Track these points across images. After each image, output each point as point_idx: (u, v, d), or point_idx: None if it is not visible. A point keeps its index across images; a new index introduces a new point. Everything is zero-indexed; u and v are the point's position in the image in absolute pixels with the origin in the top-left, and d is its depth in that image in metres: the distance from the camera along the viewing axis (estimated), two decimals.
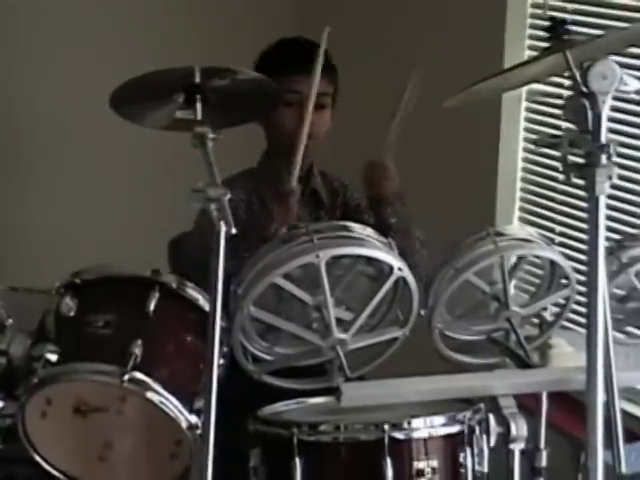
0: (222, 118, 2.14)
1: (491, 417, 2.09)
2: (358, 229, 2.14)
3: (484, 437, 2.09)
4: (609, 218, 2.84)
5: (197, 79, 2.09)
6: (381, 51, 3.59)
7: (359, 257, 2.12)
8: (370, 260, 2.12)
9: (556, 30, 1.99)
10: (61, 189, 3.69)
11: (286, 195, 2.61)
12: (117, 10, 3.64)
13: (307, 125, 2.62)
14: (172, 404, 2.07)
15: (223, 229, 1.96)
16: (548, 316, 2.31)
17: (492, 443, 2.10)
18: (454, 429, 2.06)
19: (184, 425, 2.08)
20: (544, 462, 2.22)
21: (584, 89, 1.85)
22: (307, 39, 2.79)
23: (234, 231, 1.97)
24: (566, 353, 2.25)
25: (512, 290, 2.23)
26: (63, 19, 3.58)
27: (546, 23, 2.02)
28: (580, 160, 1.86)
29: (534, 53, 3.09)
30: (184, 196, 1.96)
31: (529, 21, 3.19)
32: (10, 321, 2.16)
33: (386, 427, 2.00)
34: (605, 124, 1.85)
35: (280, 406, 2.19)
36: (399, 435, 2.01)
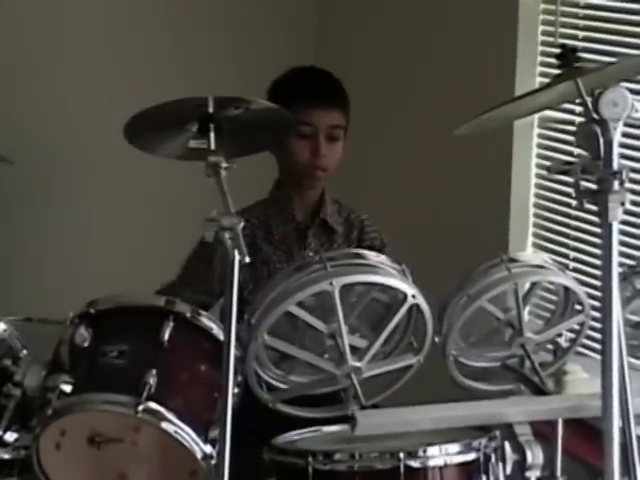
0: (236, 147, 2.15)
1: (507, 444, 2.08)
2: (372, 256, 2.15)
3: (500, 465, 2.08)
4: (622, 244, 2.82)
5: (211, 109, 2.10)
6: (393, 79, 3.60)
7: (373, 284, 2.12)
8: (384, 287, 2.13)
9: (567, 58, 2.00)
10: (75, 220, 3.70)
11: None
12: (132, 41, 3.66)
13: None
14: (187, 434, 2.06)
15: (237, 258, 1.96)
16: (563, 342, 2.31)
17: (508, 471, 2.09)
18: (470, 457, 2.05)
19: (199, 455, 2.07)
20: None
21: (595, 116, 1.86)
22: (321, 69, 2.81)
23: (248, 259, 1.97)
24: (581, 379, 2.25)
25: (526, 316, 2.23)
26: (77, 49, 3.60)
27: (557, 50, 2.02)
28: (593, 186, 1.87)
29: (545, 80, 3.10)
30: (198, 226, 1.96)
31: (540, 48, 3.20)
32: (25, 352, 2.16)
33: (401, 455, 2.00)
34: (617, 151, 1.85)
35: (295, 435, 2.18)
36: (415, 463, 2.01)
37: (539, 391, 2.16)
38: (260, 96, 2.16)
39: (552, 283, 2.26)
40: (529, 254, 3.08)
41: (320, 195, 2.80)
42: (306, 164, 2.71)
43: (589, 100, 1.89)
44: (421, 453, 2.01)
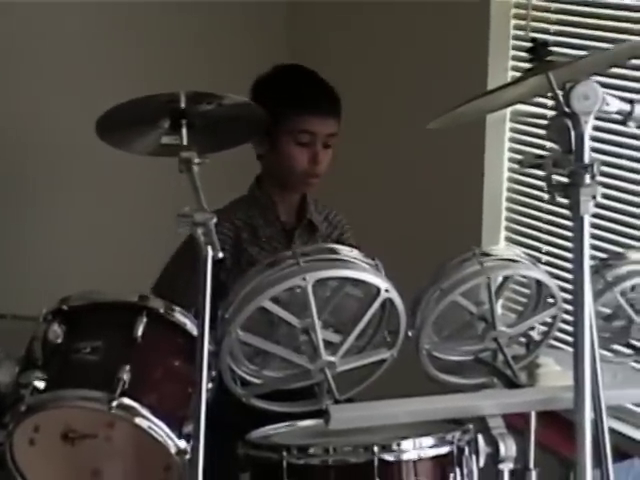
0: (208, 143, 2.14)
1: (480, 437, 2.09)
2: (345, 251, 2.15)
3: (473, 457, 2.09)
4: (594, 237, 2.85)
5: (183, 104, 2.10)
6: (365, 74, 3.60)
7: (346, 279, 2.13)
8: (357, 282, 2.13)
9: (538, 52, 2.00)
10: (52, 218, 3.68)
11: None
12: (104, 36, 3.64)
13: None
14: (161, 429, 2.06)
15: (210, 253, 1.96)
16: (535, 335, 2.32)
17: (481, 463, 2.10)
18: (443, 450, 2.06)
19: (173, 450, 2.07)
20: None
21: (567, 110, 1.87)
22: (308, 69, 2.79)
23: (221, 255, 1.97)
24: (554, 372, 2.26)
25: (499, 310, 2.24)
26: (49, 45, 3.58)
27: (528, 45, 2.03)
28: (564, 180, 1.88)
29: (517, 74, 3.11)
30: (172, 223, 1.96)
31: (512, 42, 3.21)
32: None
33: (375, 449, 2.00)
34: (588, 144, 1.86)
35: (269, 429, 2.19)
36: (389, 457, 2.01)
37: (512, 384, 2.17)
38: (232, 92, 2.15)
39: (524, 277, 2.27)
40: (502, 248, 3.09)
41: (302, 195, 2.80)
42: (304, 171, 2.71)
43: (560, 94, 1.90)
44: (395, 447, 2.02)
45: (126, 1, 3.64)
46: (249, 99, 2.63)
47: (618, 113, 1.93)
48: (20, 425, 2.08)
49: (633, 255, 2.34)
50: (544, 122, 3.02)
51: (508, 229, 3.32)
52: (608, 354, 2.32)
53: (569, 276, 2.66)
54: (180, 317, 2.16)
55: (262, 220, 2.75)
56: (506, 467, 2.09)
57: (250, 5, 3.81)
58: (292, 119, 2.68)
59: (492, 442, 2.08)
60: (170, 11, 3.70)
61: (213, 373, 2.10)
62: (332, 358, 2.11)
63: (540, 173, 1.92)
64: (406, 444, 2.03)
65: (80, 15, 3.61)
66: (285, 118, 2.67)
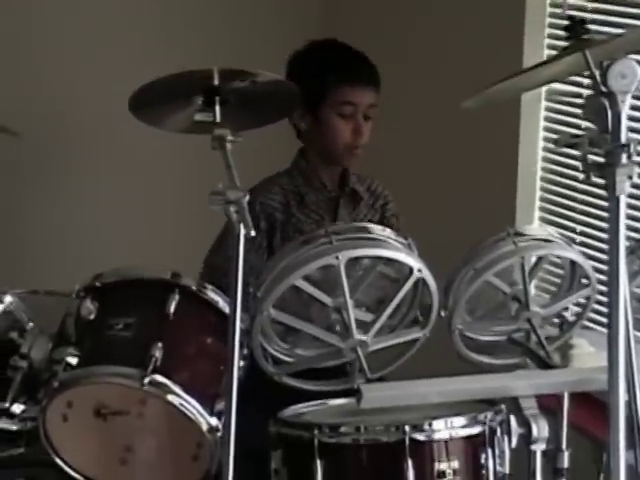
0: (242, 120, 2.14)
1: (512, 418, 2.08)
2: (377, 230, 2.14)
3: (505, 438, 2.08)
4: (630, 217, 2.82)
5: (216, 81, 2.09)
6: (399, 53, 3.58)
7: (378, 258, 2.12)
8: (390, 261, 2.12)
9: (575, 29, 1.99)
10: (83, 192, 3.69)
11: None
12: (136, 13, 3.64)
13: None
14: (193, 407, 2.07)
15: (242, 231, 1.96)
16: (569, 316, 2.31)
17: (513, 444, 2.09)
18: (475, 430, 2.05)
19: (205, 428, 2.08)
20: (566, 463, 2.21)
21: (603, 89, 1.85)
22: (345, 44, 2.80)
23: (253, 233, 1.97)
24: (587, 353, 2.25)
25: (532, 290, 2.23)
26: (81, 21, 3.58)
27: (565, 22, 2.01)
28: (600, 160, 1.86)
29: (553, 52, 3.08)
30: (205, 199, 1.96)
31: (548, 20, 3.18)
32: (31, 324, 2.17)
33: (407, 428, 2.00)
34: (625, 123, 1.84)
35: (301, 408, 2.19)
36: (420, 437, 2.01)
37: (545, 365, 2.16)
38: (265, 69, 2.14)
39: (559, 257, 2.26)
40: (536, 228, 3.07)
41: (344, 167, 2.81)
42: (348, 144, 2.72)
43: (597, 72, 1.87)
44: (426, 426, 2.02)
45: None
46: (285, 75, 2.64)
47: None
48: (53, 401, 2.10)
49: None
50: (580, 101, 3.00)
51: (542, 209, 3.30)
52: None
53: (604, 257, 2.65)
54: (212, 295, 2.16)
55: (308, 188, 2.76)
56: (538, 448, 2.09)
57: None
58: (333, 91, 2.68)
59: (524, 423, 2.08)
60: None
61: (245, 351, 2.11)
62: (364, 337, 2.10)
63: (575, 153, 1.90)
64: (438, 424, 2.02)
65: None
66: (326, 91, 2.68)
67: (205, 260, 2.70)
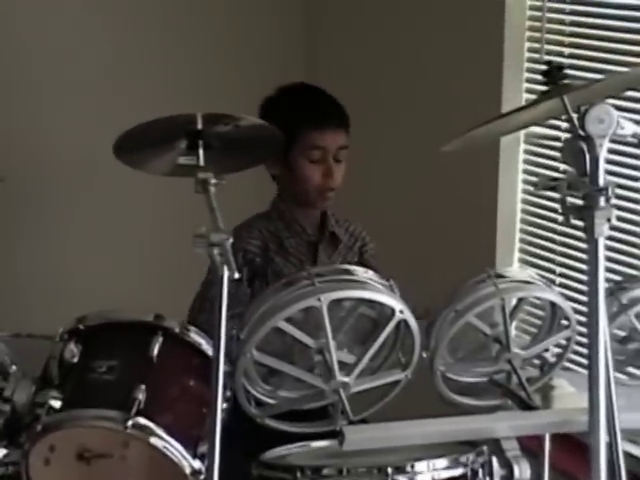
0: (225, 164, 2.16)
1: (494, 460, 2.09)
2: (360, 272, 2.15)
3: None
4: (609, 259, 2.85)
5: (199, 126, 2.11)
6: (381, 96, 3.62)
7: (361, 300, 2.13)
8: (372, 303, 2.13)
9: (553, 75, 2.01)
10: (66, 235, 3.69)
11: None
12: (120, 57, 3.67)
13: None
14: (176, 449, 2.07)
15: (226, 274, 1.97)
16: (549, 357, 2.32)
17: None
18: (457, 472, 2.05)
19: (188, 470, 2.08)
20: None
21: (582, 133, 1.87)
22: (314, 86, 2.82)
23: (237, 275, 1.98)
24: (568, 394, 2.26)
25: (513, 332, 2.24)
26: (65, 64, 3.60)
27: (543, 67, 2.04)
28: (579, 202, 1.88)
29: (532, 96, 3.12)
30: (188, 242, 1.97)
31: (526, 65, 3.22)
32: (14, 368, 2.17)
33: (389, 471, 2.00)
34: (603, 167, 1.87)
35: (283, 450, 2.19)
36: (402, 479, 2.01)
37: (526, 406, 2.16)
38: (250, 112, 2.16)
39: (539, 299, 2.27)
40: (516, 269, 3.09)
41: (322, 210, 2.82)
42: (319, 187, 2.73)
43: (575, 117, 1.90)
44: (409, 468, 2.02)
45: (144, 20, 3.66)
46: None
47: (633, 136, 1.93)
48: (36, 445, 2.09)
49: None
50: (559, 145, 3.04)
51: (522, 251, 3.32)
52: (623, 377, 2.32)
53: (583, 298, 2.67)
54: (196, 337, 2.17)
55: (287, 232, 2.77)
56: None
57: (268, 26, 3.83)
58: (301, 136, 2.70)
59: (506, 464, 2.08)
60: (188, 30, 3.72)
61: (228, 393, 2.11)
62: (346, 379, 2.11)
63: (555, 195, 1.93)
64: (420, 466, 2.03)
65: (97, 31, 3.62)
66: (295, 137, 2.69)
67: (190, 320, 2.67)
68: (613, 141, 1.90)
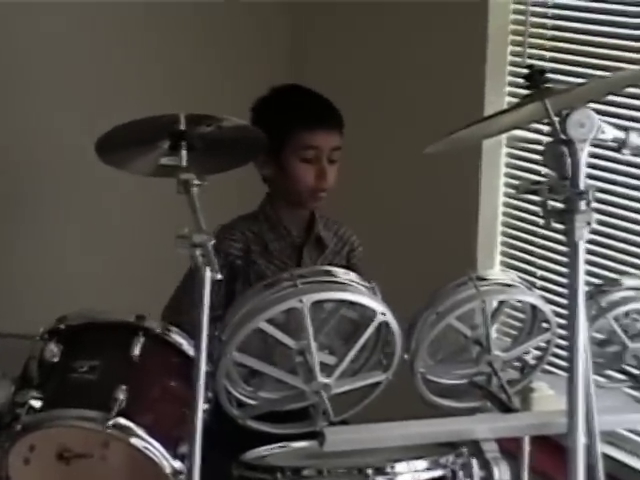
0: (208, 165, 2.16)
1: (474, 461, 2.10)
2: (341, 274, 2.16)
3: None
4: (589, 263, 2.85)
5: (182, 126, 2.11)
6: (362, 98, 3.62)
7: (342, 302, 2.14)
8: (353, 304, 2.14)
9: (535, 79, 2.02)
10: (47, 234, 3.68)
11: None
12: (104, 57, 3.66)
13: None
14: (156, 450, 2.07)
15: (208, 274, 1.97)
16: (530, 360, 2.33)
17: None
18: (437, 473, 2.06)
19: (168, 471, 2.08)
20: None
21: (563, 136, 1.88)
22: (307, 88, 2.82)
23: (219, 276, 1.98)
24: (547, 397, 2.27)
25: (494, 334, 2.25)
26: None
27: (525, 71, 2.05)
28: (560, 206, 1.89)
29: (514, 100, 3.13)
30: (171, 242, 1.97)
31: (509, 68, 3.23)
32: None
33: (369, 472, 2.01)
34: (583, 171, 1.88)
35: (263, 450, 2.19)
36: None
37: (506, 408, 2.17)
38: (233, 113, 2.16)
39: (520, 301, 2.28)
40: (497, 272, 3.10)
41: (311, 212, 2.82)
42: (311, 188, 2.72)
43: (557, 120, 1.91)
44: (389, 469, 2.03)
45: (128, 20, 3.66)
46: (250, 121, 2.66)
47: (613, 141, 1.94)
48: (15, 444, 2.09)
49: (627, 281, 2.35)
50: (540, 148, 3.05)
51: (503, 254, 3.33)
52: (602, 379, 2.33)
53: (564, 301, 2.68)
54: (177, 337, 2.17)
55: (272, 235, 2.76)
56: None
57: (254, 26, 3.83)
58: (295, 136, 2.69)
59: (486, 466, 2.09)
60: (172, 30, 3.72)
61: (209, 394, 2.11)
62: (327, 380, 2.11)
63: (536, 199, 1.94)
64: (400, 467, 2.03)
65: (82, 31, 3.62)
66: (288, 136, 2.69)
67: (162, 314, 2.65)
68: (594, 145, 1.91)
